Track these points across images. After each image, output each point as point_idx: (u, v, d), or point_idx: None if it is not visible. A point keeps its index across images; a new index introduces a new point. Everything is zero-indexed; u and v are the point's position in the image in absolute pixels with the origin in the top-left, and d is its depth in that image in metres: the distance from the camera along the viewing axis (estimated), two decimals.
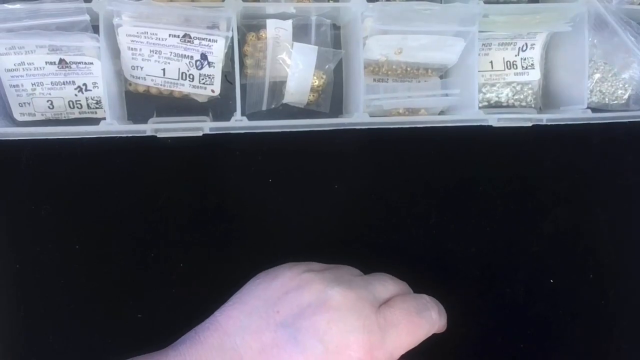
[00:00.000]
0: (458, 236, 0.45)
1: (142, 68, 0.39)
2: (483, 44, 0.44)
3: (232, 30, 0.38)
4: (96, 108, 0.40)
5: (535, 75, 0.45)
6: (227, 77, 0.41)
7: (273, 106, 0.42)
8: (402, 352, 0.32)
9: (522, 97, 0.45)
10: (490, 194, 0.45)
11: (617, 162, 0.47)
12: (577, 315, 0.45)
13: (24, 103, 0.39)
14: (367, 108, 0.41)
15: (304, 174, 0.43)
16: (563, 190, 0.46)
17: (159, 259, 0.41)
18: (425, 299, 0.34)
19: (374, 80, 0.44)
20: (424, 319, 0.33)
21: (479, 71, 0.44)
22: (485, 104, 0.45)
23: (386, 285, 0.34)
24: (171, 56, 0.39)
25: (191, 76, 0.40)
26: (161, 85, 0.40)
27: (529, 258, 0.45)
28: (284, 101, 0.42)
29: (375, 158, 0.44)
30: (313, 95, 0.42)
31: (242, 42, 0.41)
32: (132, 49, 0.38)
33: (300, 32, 0.41)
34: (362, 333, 0.30)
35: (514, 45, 0.44)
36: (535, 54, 0.45)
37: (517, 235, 0.45)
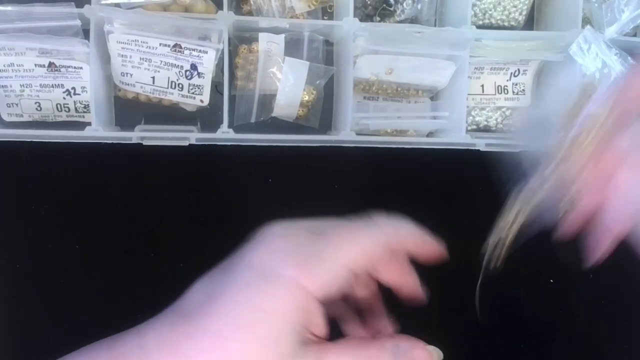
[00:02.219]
0: (457, 236, 0.45)
1: (131, 75, 0.39)
2: (475, 68, 0.44)
3: (223, 43, 0.38)
4: (84, 112, 0.40)
5: (525, 101, 0.45)
6: (218, 88, 0.41)
7: (262, 119, 0.42)
8: (348, 264, 0.27)
9: (511, 122, 0.45)
10: (489, 196, 0.45)
11: None
12: (577, 315, 0.45)
13: (12, 104, 0.39)
14: (356, 126, 0.41)
15: (293, 184, 0.43)
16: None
17: (159, 259, 0.41)
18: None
19: (365, 98, 0.44)
20: (363, 226, 0.29)
21: (469, 94, 0.44)
22: (474, 127, 0.45)
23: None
24: (161, 65, 0.39)
25: (180, 85, 0.40)
26: (150, 92, 0.40)
27: (529, 258, 0.45)
28: (273, 114, 0.42)
29: (362, 174, 0.44)
30: (302, 110, 0.42)
31: (233, 53, 0.41)
32: (122, 55, 0.38)
33: (293, 47, 0.41)
34: (294, 253, 0.27)
35: (506, 70, 0.45)
36: (527, 80, 0.45)
37: None
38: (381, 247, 0.29)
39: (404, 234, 0.30)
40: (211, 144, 0.39)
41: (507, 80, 0.45)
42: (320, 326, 0.27)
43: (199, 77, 0.39)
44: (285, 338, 0.26)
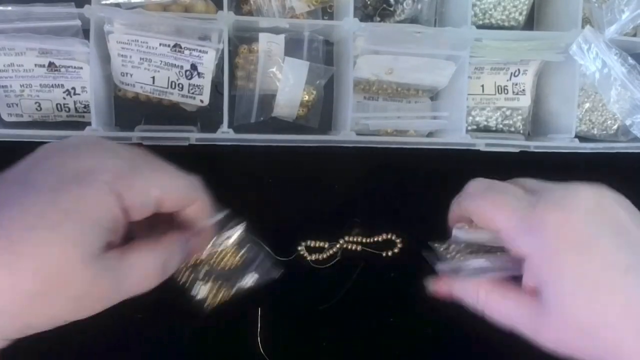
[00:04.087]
0: None
1: (131, 75, 0.39)
2: (475, 68, 0.44)
3: (223, 43, 0.38)
4: (84, 112, 0.40)
5: (525, 101, 0.45)
6: (218, 88, 0.41)
7: (262, 119, 0.42)
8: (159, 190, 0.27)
9: (511, 122, 0.45)
10: None
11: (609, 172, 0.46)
12: None
13: (12, 104, 0.39)
14: (356, 126, 0.41)
15: (293, 184, 0.43)
16: None
17: None
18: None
19: (365, 98, 0.44)
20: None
21: (469, 94, 0.44)
22: (474, 127, 0.45)
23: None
24: (161, 65, 0.39)
25: (180, 85, 0.40)
26: (150, 92, 0.40)
27: None
28: (273, 114, 0.42)
29: (362, 174, 0.44)
30: (302, 110, 0.42)
31: (233, 53, 0.41)
32: (122, 55, 0.38)
33: (293, 47, 0.41)
34: (111, 158, 0.27)
35: (507, 70, 0.45)
36: (527, 80, 0.45)
37: None
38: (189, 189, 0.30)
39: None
40: (211, 144, 0.39)
41: (507, 80, 0.45)
42: (120, 237, 0.27)
43: (198, 77, 0.39)
44: (89, 240, 0.25)
